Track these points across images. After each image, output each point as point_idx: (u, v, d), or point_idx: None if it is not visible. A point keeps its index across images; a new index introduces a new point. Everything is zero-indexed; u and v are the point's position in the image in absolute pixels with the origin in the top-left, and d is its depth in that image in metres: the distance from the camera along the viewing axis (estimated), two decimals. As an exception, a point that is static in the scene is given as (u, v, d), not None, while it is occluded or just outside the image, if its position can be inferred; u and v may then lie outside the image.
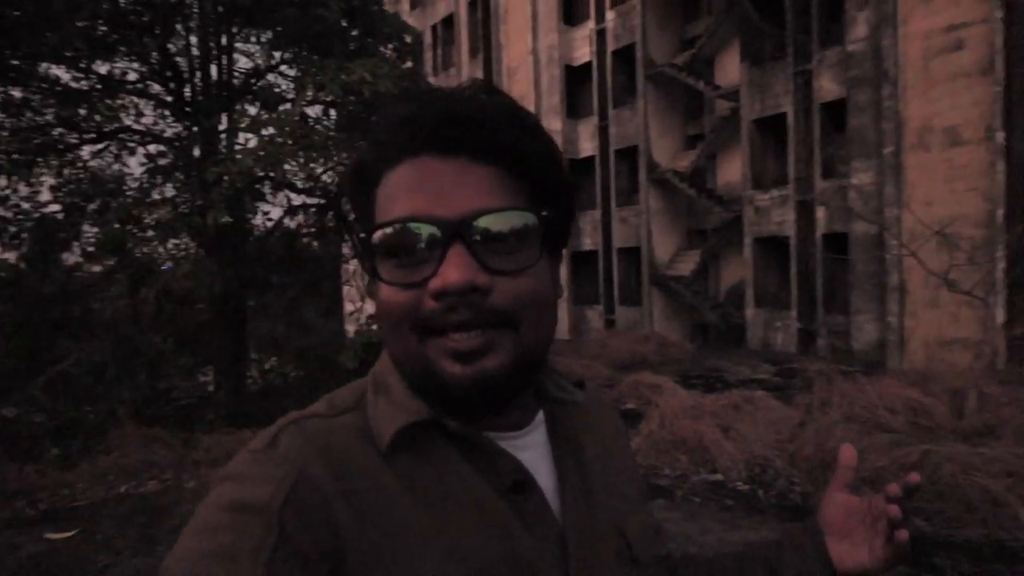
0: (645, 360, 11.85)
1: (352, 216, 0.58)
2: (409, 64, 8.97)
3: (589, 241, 19.44)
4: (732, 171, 16.55)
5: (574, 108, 19.62)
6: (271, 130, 6.05)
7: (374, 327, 8.03)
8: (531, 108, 19.65)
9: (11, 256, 8.37)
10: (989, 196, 10.78)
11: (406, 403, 0.55)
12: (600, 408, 0.72)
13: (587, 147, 19.24)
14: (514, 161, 0.52)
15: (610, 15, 18.13)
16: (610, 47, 18.09)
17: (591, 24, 18.59)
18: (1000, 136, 10.57)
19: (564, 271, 19.45)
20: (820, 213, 13.90)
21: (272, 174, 6.00)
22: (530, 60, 19.43)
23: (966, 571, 3.53)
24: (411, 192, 0.51)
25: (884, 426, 5.22)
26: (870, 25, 12.38)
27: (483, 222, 0.50)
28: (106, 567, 4.05)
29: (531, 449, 0.59)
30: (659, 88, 17.30)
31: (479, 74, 20.44)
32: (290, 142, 5.83)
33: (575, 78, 19.36)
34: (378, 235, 0.52)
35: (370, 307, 9.33)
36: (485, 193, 0.51)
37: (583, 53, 18.98)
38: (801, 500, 4.69)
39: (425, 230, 0.50)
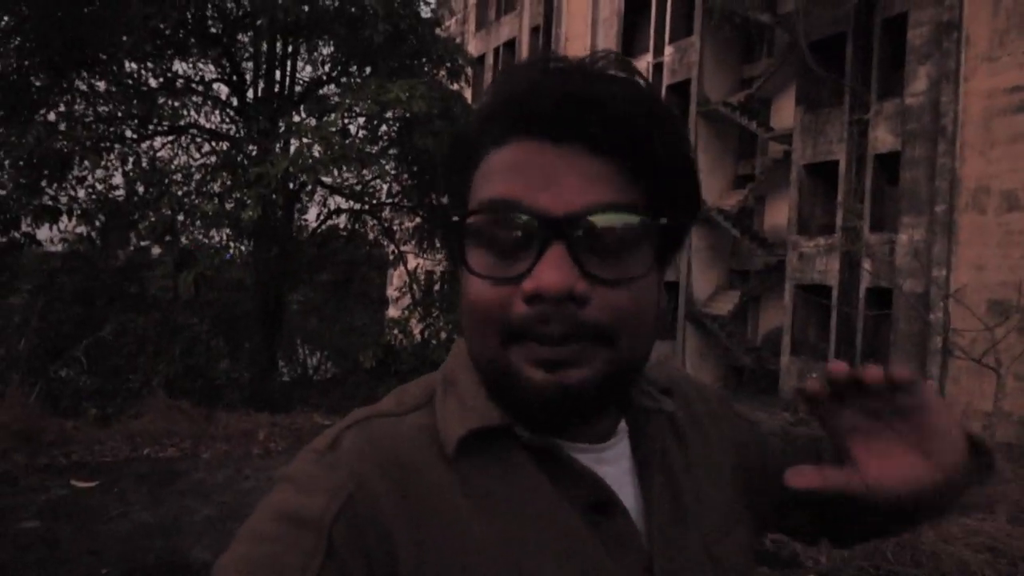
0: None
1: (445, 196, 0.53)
2: (458, 86, 9.42)
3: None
4: (779, 215, 16.31)
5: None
6: (306, 139, 6.62)
7: (395, 331, 8.41)
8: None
9: (84, 230, 9.23)
10: (1044, 265, 10.30)
11: (478, 405, 0.50)
12: (689, 407, 0.62)
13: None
14: (636, 156, 0.46)
15: (668, 49, 18.32)
16: (665, 81, 18.26)
17: (649, 57, 18.82)
18: (1061, 204, 10.13)
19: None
20: (867, 266, 13.53)
21: (304, 179, 6.53)
22: (587, 89, 19.77)
23: None
24: (513, 175, 0.46)
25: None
26: (930, 80, 12.12)
27: (590, 222, 0.44)
28: (116, 516, 4.47)
29: (613, 463, 0.53)
30: (711, 125, 17.29)
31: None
32: (318, 152, 6.37)
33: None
34: (470, 220, 0.47)
35: (395, 311, 9.71)
36: (598, 189, 0.45)
37: (639, 86, 19.16)
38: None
39: (524, 220, 0.45)
